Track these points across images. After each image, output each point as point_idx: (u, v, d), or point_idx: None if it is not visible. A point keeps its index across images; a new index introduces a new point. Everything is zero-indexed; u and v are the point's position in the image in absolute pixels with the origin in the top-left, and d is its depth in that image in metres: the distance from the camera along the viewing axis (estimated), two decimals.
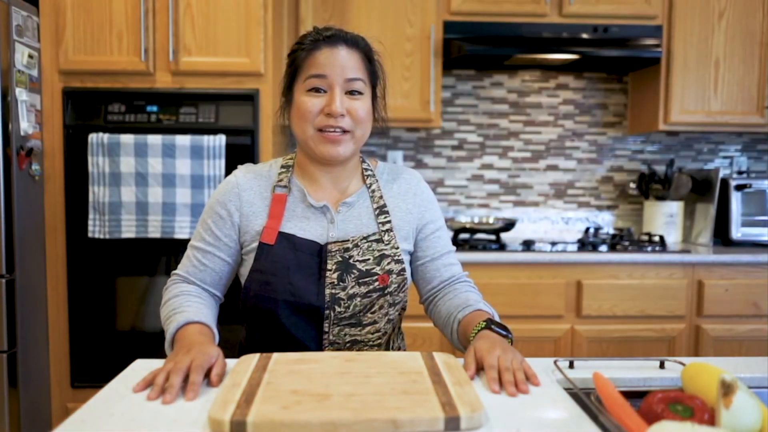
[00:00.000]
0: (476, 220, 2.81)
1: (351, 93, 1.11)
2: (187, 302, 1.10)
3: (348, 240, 1.13)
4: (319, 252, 1.12)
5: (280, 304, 1.09)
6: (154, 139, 2.12)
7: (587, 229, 2.85)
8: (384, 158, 2.91)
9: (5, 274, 1.99)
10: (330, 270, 1.10)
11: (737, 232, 2.67)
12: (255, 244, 1.13)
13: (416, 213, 1.21)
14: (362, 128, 1.13)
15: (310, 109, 1.09)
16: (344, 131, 1.10)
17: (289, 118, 1.16)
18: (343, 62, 1.09)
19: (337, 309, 1.11)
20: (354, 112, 1.10)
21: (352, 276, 1.11)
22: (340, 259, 1.11)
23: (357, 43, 1.13)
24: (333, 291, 1.10)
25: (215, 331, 1.07)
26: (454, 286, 1.22)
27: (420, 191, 1.24)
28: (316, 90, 1.10)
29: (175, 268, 1.19)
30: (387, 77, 1.21)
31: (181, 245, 2.17)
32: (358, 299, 1.11)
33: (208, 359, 0.91)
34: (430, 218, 1.23)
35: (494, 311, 1.14)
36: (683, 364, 0.96)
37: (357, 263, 1.11)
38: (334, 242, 1.12)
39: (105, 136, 2.11)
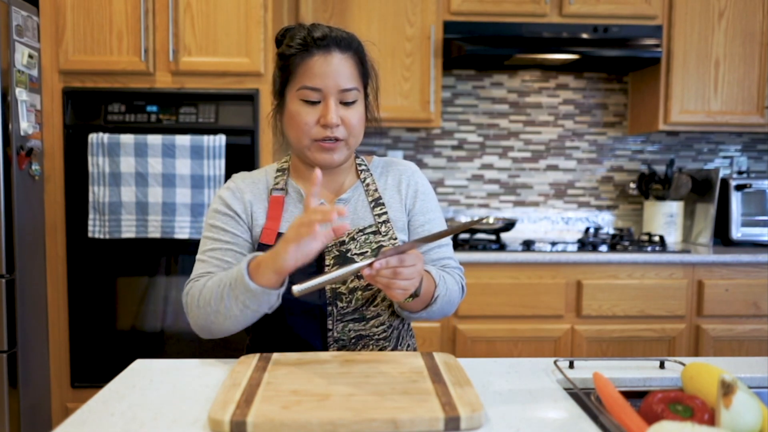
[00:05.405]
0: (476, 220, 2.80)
1: (345, 101, 1.10)
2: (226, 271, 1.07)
3: (344, 233, 1.12)
4: None
5: (283, 304, 1.09)
6: (154, 139, 2.12)
7: (587, 229, 2.85)
8: None
9: (5, 274, 1.99)
10: (329, 266, 1.11)
11: (737, 232, 2.67)
12: (255, 246, 1.13)
13: (408, 204, 1.21)
14: (355, 136, 1.13)
15: (305, 120, 1.09)
16: (338, 139, 1.10)
17: (281, 120, 1.16)
18: (337, 70, 1.08)
19: (340, 304, 1.11)
20: (347, 120, 1.10)
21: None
22: (337, 253, 1.11)
23: (350, 45, 1.11)
24: (334, 286, 1.10)
25: None
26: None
27: (413, 182, 1.22)
28: (311, 100, 1.09)
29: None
30: (379, 75, 1.19)
31: (182, 245, 2.16)
32: (359, 293, 1.11)
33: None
34: (419, 209, 1.21)
35: (449, 288, 1.11)
36: (683, 364, 0.96)
37: (355, 256, 1.11)
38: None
39: (105, 136, 2.11)
